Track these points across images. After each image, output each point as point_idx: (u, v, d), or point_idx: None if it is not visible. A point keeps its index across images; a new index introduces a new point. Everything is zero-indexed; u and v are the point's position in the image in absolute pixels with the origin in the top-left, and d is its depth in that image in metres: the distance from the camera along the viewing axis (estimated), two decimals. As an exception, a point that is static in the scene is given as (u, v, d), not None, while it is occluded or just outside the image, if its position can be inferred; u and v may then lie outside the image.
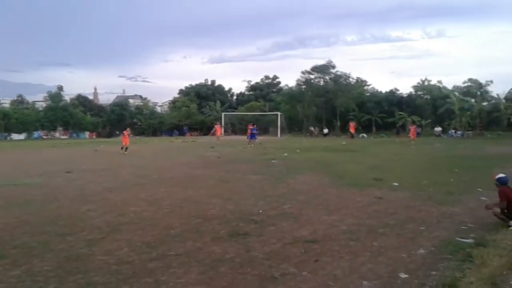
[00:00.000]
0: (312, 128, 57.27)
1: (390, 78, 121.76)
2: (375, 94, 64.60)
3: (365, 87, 68.13)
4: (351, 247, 6.29)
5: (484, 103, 55.06)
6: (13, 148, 35.39)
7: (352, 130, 45.33)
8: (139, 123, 67.76)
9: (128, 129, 30.13)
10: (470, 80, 60.78)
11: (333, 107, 58.02)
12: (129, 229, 7.47)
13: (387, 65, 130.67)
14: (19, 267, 5.53)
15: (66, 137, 61.78)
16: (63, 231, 7.36)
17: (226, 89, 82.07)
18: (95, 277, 5.19)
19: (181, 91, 78.38)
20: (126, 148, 25.80)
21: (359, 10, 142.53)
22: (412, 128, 35.71)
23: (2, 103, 66.04)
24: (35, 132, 61.51)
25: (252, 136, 32.55)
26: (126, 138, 26.77)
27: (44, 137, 60.99)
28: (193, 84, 79.02)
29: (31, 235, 7.13)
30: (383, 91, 65.69)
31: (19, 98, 68.16)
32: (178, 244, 6.54)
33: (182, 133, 63.44)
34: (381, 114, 58.46)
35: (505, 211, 7.23)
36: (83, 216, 8.61)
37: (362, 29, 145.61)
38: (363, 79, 69.77)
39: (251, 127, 33.44)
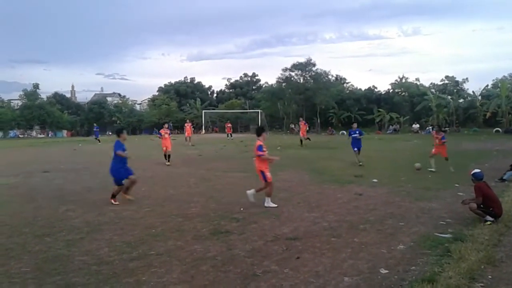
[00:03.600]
0: (292, 126, 57.52)
1: (368, 75, 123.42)
2: (354, 92, 65.42)
3: (344, 85, 68.85)
4: (332, 244, 6.34)
5: (460, 100, 56.27)
6: (-12, 147, 34.53)
7: (302, 133, 28.97)
8: (118, 121, 66.92)
9: (166, 125, 20.12)
10: (446, 77, 62.22)
11: (313, 104, 58.41)
12: (109, 229, 7.39)
13: (365, 63, 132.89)
14: (-4, 269, 5.41)
15: (43, 136, 60.66)
16: (42, 232, 7.23)
17: (206, 86, 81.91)
18: (75, 278, 5.11)
19: (160, 89, 77.88)
20: (169, 156, 18.48)
21: (337, 8, 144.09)
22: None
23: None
24: (11, 131, 60.24)
25: (355, 144, 17.44)
26: (167, 140, 18.74)
27: (21, 136, 59.83)
28: (173, 81, 78.77)
29: (8, 236, 6.99)
30: (362, 89, 66.60)
31: (-7, 97, 66.58)
32: (159, 243, 6.49)
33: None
34: (360, 111, 59.21)
35: (481, 206, 7.38)
36: (62, 216, 8.48)
37: (340, 27, 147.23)
38: (342, 76, 70.71)
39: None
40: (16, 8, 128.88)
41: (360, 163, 16.06)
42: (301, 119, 32.00)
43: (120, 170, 9.67)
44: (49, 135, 62.04)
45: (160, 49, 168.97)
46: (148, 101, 79.50)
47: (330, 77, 61.54)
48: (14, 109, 63.32)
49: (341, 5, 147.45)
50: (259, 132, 9.54)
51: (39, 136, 60.84)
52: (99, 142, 36.52)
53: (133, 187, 9.97)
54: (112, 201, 9.61)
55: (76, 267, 5.48)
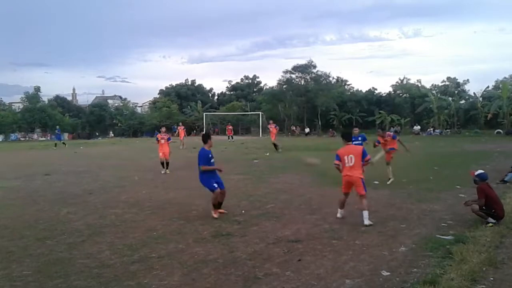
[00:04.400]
0: (293, 128, 57.55)
1: (369, 77, 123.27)
2: (355, 93, 65.44)
3: (345, 87, 68.85)
4: (333, 246, 6.33)
5: (462, 102, 56.16)
6: (-11, 150, 34.56)
7: (272, 137, 26.36)
8: (119, 124, 66.95)
9: (163, 128, 19.16)
10: (447, 79, 62.12)
11: (314, 106, 58.38)
12: (110, 232, 7.39)
13: (366, 65, 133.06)
14: (-3, 272, 5.41)
15: (44, 139, 60.70)
16: (43, 235, 7.24)
17: (207, 89, 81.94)
18: (76, 281, 5.11)
19: (161, 91, 77.85)
20: (167, 163, 16.23)
21: (337, 10, 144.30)
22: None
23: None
24: (12, 134, 60.26)
25: None
26: (165, 146, 16.40)
27: (22, 139, 59.82)
28: (173, 84, 78.65)
29: (10, 239, 7.00)
30: (363, 90, 66.59)
31: (-5, 100, 66.63)
32: (160, 246, 6.49)
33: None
34: (361, 113, 59.16)
35: (483, 207, 7.36)
36: (63, 219, 8.48)
37: (341, 29, 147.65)
38: (343, 78, 70.65)
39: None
40: (17, 11, 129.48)
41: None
42: (271, 121, 28.23)
43: (210, 180, 8.67)
44: (50, 138, 62.06)
45: (161, 52, 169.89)
46: (149, 103, 79.49)
47: (331, 79, 61.54)
48: (15, 112, 63.35)
49: (341, 7, 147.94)
50: (348, 136, 8.35)
51: (40, 139, 60.81)
52: (57, 146, 34.84)
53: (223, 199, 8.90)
54: (214, 214, 8.40)
55: (77, 270, 5.48)
